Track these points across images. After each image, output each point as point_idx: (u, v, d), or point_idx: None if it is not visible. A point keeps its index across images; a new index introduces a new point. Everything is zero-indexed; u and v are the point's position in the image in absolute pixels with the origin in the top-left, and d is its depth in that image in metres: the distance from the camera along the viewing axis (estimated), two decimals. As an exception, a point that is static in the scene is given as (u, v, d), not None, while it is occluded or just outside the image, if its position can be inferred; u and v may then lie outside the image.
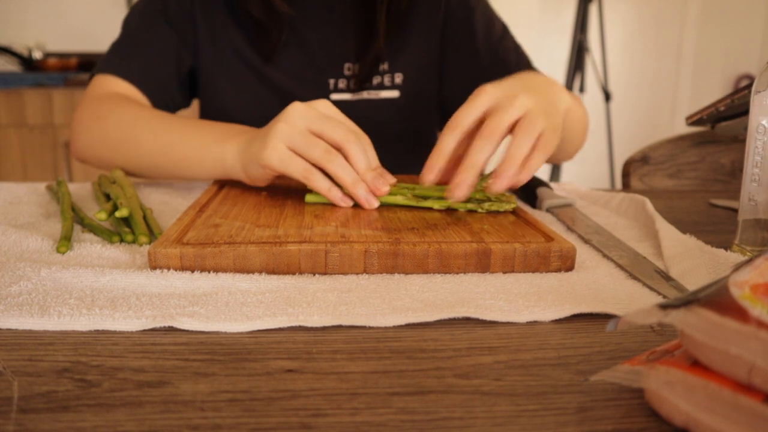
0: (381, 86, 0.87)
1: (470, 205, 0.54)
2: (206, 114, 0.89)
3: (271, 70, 0.86)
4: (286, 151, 0.55)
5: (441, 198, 0.56)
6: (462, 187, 0.52)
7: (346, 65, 0.87)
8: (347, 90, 0.87)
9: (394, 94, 0.88)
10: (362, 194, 0.55)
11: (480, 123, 0.54)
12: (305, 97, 0.85)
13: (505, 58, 0.87)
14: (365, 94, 0.87)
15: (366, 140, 0.57)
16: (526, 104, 0.53)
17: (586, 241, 0.53)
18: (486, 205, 0.54)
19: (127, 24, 0.85)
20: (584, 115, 0.79)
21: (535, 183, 0.68)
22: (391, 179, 0.57)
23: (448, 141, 0.53)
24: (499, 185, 0.51)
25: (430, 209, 0.55)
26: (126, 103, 0.75)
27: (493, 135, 0.52)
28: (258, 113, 0.84)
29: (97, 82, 0.80)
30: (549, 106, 0.56)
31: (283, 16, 0.82)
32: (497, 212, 0.55)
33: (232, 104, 0.86)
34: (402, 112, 0.88)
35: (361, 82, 0.86)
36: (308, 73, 0.86)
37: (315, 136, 0.55)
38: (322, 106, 0.58)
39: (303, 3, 0.85)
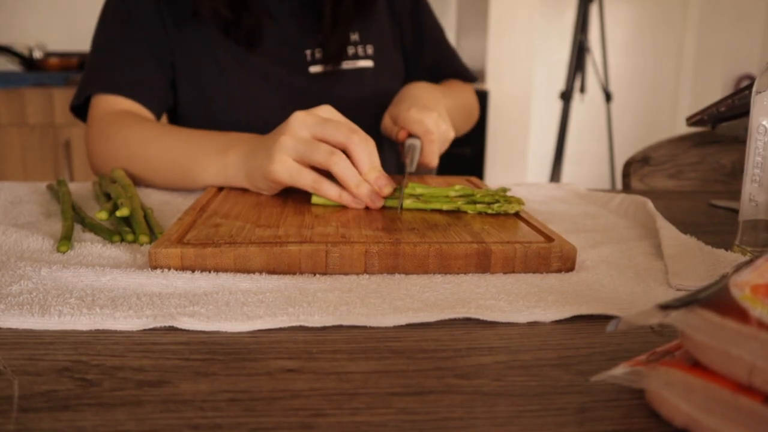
0: (356, 56, 0.91)
1: (480, 207, 0.54)
2: (188, 108, 0.89)
3: (247, 52, 0.86)
4: (293, 164, 0.56)
5: (447, 200, 0.55)
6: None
7: (320, 35, 0.89)
8: (324, 61, 0.89)
9: (368, 63, 0.91)
10: (366, 195, 0.55)
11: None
12: (285, 73, 0.88)
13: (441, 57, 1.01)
14: (344, 64, 0.89)
15: (370, 141, 0.57)
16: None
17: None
18: (495, 206, 0.54)
19: (98, 40, 0.85)
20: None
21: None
22: (392, 182, 0.57)
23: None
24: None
25: (433, 210, 0.55)
26: (129, 121, 0.77)
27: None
28: (243, 98, 0.85)
29: (96, 103, 0.81)
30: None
31: (254, 7, 0.84)
32: (506, 213, 0.55)
33: (215, 94, 0.86)
34: (377, 83, 0.92)
35: (333, 52, 0.88)
36: (284, 47, 0.87)
37: (318, 141, 0.56)
38: (324, 111, 0.59)
39: None
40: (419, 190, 0.57)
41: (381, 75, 0.93)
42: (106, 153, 0.77)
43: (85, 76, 0.83)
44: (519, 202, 0.55)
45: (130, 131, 0.75)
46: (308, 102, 0.88)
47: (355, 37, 0.91)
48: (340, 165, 0.54)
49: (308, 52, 0.88)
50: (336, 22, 0.88)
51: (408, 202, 0.56)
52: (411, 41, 0.98)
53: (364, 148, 0.56)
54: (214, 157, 0.66)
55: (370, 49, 0.92)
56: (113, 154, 0.75)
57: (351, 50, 0.90)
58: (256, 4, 0.85)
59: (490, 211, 0.54)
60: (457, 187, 0.57)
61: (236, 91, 0.86)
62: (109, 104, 0.80)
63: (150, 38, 0.84)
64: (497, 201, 0.55)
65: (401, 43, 0.98)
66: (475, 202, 0.55)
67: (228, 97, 0.86)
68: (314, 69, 0.88)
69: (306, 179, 0.56)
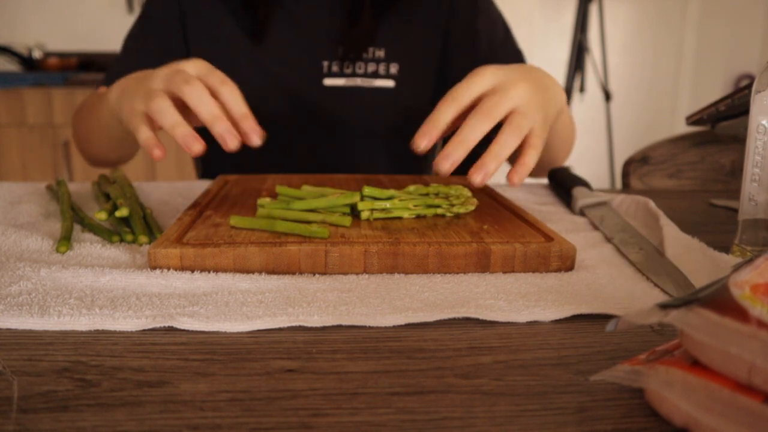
0: (376, 74, 0.87)
1: (440, 210, 0.53)
2: None
3: (262, 54, 0.85)
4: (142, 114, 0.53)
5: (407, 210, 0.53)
6: (448, 160, 0.50)
7: (341, 48, 0.87)
8: (341, 74, 0.87)
9: (388, 83, 0.88)
10: (223, 130, 0.51)
11: (475, 103, 0.53)
12: (298, 82, 0.86)
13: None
14: (359, 81, 0.87)
15: (234, 87, 0.54)
16: (524, 95, 0.53)
17: (609, 239, 0.54)
18: (455, 209, 0.53)
19: (126, 38, 0.89)
20: (572, 124, 0.80)
21: (571, 183, 0.68)
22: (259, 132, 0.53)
23: (444, 112, 0.52)
24: (447, 168, 0.50)
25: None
26: (92, 96, 0.81)
27: (489, 115, 0.50)
28: (250, 99, 0.85)
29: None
30: (544, 101, 0.56)
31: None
32: (464, 213, 0.54)
33: None
34: (395, 104, 0.89)
35: (349, 59, 0.86)
36: (302, 55, 0.86)
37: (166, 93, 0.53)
38: (193, 65, 0.55)
39: None
40: (383, 196, 0.53)
41: (402, 97, 0.88)
42: (74, 132, 0.85)
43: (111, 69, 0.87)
44: (471, 202, 0.55)
45: (87, 104, 0.81)
46: (319, 116, 0.87)
47: (380, 53, 0.87)
48: (194, 95, 0.51)
49: (325, 63, 0.86)
50: (362, 14, 0.84)
51: (375, 212, 0.52)
52: (461, 50, 0.89)
53: (230, 91, 0.53)
54: (106, 96, 0.65)
55: (394, 68, 0.87)
56: (77, 132, 0.84)
57: (372, 67, 0.87)
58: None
59: (448, 215, 0.53)
60: (411, 188, 0.55)
61: (244, 93, 0.85)
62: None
63: (164, 43, 0.86)
64: (452, 205, 0.54)
65: (445, 54, 0.90)
66: (435, 206, 0.54)
67: None
68: (329, 82, 0.86)
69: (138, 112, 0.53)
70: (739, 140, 0.95)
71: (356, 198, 0.51)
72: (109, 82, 0.84)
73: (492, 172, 0.50)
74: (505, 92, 0.52)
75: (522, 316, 0.37)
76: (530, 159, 0.52)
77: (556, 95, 0.60)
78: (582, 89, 2.56)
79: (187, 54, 0.87)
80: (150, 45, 0.85)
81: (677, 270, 0.45)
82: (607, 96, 2.64)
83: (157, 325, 0.35)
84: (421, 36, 0.89)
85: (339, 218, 0.50)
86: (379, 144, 0.91)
